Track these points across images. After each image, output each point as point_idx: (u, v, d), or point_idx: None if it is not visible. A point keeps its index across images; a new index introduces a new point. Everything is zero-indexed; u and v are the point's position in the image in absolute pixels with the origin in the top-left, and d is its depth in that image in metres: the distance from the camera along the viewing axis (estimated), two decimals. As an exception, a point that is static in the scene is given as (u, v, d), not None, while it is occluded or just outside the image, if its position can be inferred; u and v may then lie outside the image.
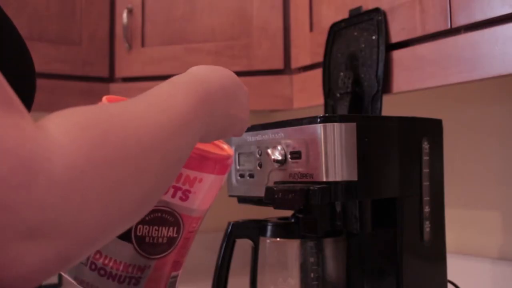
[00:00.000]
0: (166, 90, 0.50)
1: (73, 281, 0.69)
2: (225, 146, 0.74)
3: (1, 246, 0.33)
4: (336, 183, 0.72)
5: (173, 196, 0.69)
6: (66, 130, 0.37)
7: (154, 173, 0.43)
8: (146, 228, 0.69)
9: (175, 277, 0.74)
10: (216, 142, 0.74)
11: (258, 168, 0.83)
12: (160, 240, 0.70)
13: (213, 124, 0.56)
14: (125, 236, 0.69)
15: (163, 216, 0.69)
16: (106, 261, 0.69)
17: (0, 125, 0.33)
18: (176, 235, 0.71)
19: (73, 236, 0.36)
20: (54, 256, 0.35)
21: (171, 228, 0.70)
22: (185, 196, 0.69)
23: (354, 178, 0.73)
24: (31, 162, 0.34)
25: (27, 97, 0.54)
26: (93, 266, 0.69)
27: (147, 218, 0.69)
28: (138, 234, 0.69)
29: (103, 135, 0.39)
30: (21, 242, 0.34)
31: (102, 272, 0.69)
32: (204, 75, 0.57)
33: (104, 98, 0.70)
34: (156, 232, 0.69)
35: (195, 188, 0.69)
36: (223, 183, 0.74)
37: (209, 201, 0.74)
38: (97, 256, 0.70)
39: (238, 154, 0.88)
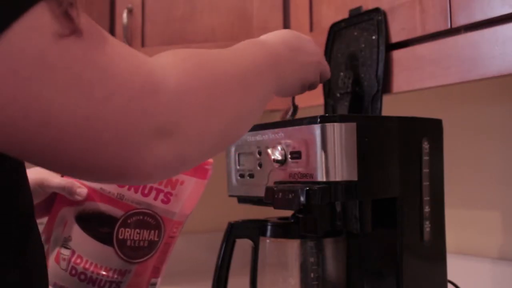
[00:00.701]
0: (242, 47, 0.60)
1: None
2: None
3: (136, 141, 0.42)
4: (336, 183, 0.72)
5: (155, 198, 0.70)
6: (169, 60, 0.47)
7: (237, 99, 0.52)
8: (128, 232, 0.70)
9: (155, 284, 0.75)
10: None
11: (258, 168, 0.83)
12: (142, 243, 0.70)
13: (285, 78, 0.65)
14: (106, 240, 0.69)
15: (144, 219, 0.70)
16: (87, 265, 0.69)
17: (126, 52, 0.43)
18: (157, 239, 0.71)
19: (191, 137, 0.46)
20: (176, 153, 0.45)
21: (152, 231, 0.71)
22: (167, 199, 0.70)
23: (354, 178, 0.73)
24: (153, 77, 0.43)
25: None
26: (73, 271, 0.69)
27: (129, 221, 0.69)
28: (120, 237, 0.69)
29: (199, 64, 0.49)
30: (152, 139, 0.42)
31: (82, 277, 0.69)
32: (266, 39, 0.67)
33: None
34: (137, 235, 0.70)
35: (176, 190, 0.70)
36: (202, 191, 0.75)
37: (190, 206, 0.74)
38: (78, 260, 0.69)
39: (238, 154, 0.88)
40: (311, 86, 0.76)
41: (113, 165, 0.42)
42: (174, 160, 0.45)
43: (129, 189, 0.70)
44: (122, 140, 0.41)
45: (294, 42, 0.69)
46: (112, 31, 1.33)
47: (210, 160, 0.74)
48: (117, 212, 0.70)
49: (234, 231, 0.86)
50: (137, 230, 0.70)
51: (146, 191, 0.70)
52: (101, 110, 0.40)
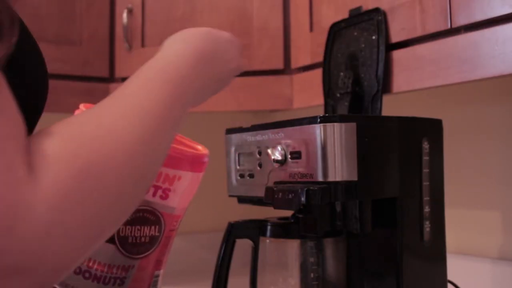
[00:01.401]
0: (140, 92, 0.50)
1: (57, 287, 0.70)
2: (199, 147, 0.77)
3: None
4: (336, 183, 0.72)
5: (154, 195, 0.70)
6: (48, 165, 0.37)
7: (132, 193, 0.44)
8: (128, 229, 0.70)
9: (158, 276, 0.76)
10: (190, 143, 0.77)
11: (258, 168, 0.83)
12: (143, 239, 0.71)
13: (197, 97, 0.57)
14: (108, 238, 0.70)
15: (144, 216, 0.71)
16: (91, 264, 0.70)
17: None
18: (158, 234, 0.72)
19: (50, 269, 0.37)
20: (34, 286, 0.37)
21: (152, 227, 0.71)
22: (165, 195, 0.71)
23: (354, 178, 0.73)
24: (14, 209, 0.34)
25: (40, 98, 0.54)
26: (77, 270, 0.70)
27: (129, 218, 0.70)
28: (121, 234, 0.70)
29: (83, 168, 0.39)
30: (6, 277, 0.35)
31: (87, 275, 0.69)
32: (175, 56, 0.56)
33: (82, 106, 0.72)
34: (138, 232, 0.71)
35: (174, 186, 0.71)
36: (199, 183, 0.76)
37: (188, 199, 0.75)
38: None
39: (238, 154, 0.88)
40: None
41: None
42: None
43: None
44: None
45: (209, 51, 0.60)
46: (112, 31, 1.33)
47: (206, 151, 0.75)
48: None
49: (234, 231, 0.86)
50: (138, 227, 0.71)
51: None
52: None
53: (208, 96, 0.63)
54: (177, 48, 0.58)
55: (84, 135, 0.42)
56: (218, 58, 0.61)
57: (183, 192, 0.73)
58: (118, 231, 0.70)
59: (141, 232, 0.71)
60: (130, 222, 0.70)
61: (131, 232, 0.70)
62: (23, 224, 0.35)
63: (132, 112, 0.46)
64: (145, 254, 0.72)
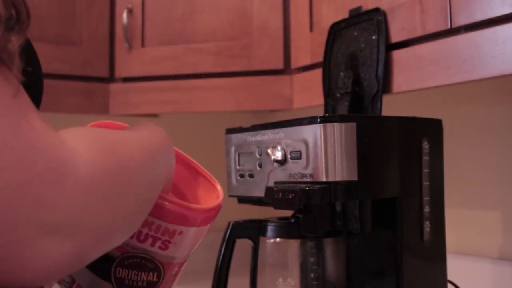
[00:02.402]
0: (145, 131, 0.57)
1: None
2: (218, 186, 0.72)
3: (26, 240, 0.34)
4: (336, 183, 0.72)
5: (152, 245, 0.66)
6: (80, 141, 0.41)
7: (145, 186, 0.50)
8: (125, 272, 0.67)
9: None
10: (211, 180, 0.72)
11: (258, 168, 0.83)
12: (140, 284, 0.67)
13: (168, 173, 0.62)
14: (105, 276, 0.67)
15: (142, 262, 0.67)
16: None
17: (38, 129, 0.37)
18: (156, 280, 0.68)
19: (90, 233, 0.39)
20: (71, 251, 0.38)
21: (151, 273, 0.68)
22: (165, 246, 0.66)
23: (354, 178, 0.73)
24: (61, 163, 0.36)
25: (36, 99, 0.54)
26: None
27: (126, 263, 0.67)
28: (118, 276, 0.67)
29: (109, 149, 0.44)
30: (44, 237, 0.35)
31: None
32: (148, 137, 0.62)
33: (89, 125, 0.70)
34: (135, 276, 0.67)
35: (175, 239, 0.66)
36: (207, 231, 0.71)
37: (192, 247, 0.71)
38: None
39: (238, 154, 0.88)
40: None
41: None
42: (71, 258, 0.38)
43: None
44: (4, 232, 0.34)
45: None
46: (112, 31, 1.33)
47: (218, 201, 0.69)
48: (113, 252, 0.68)
49: (234, 231, 0.86)
50: (135, 272, 0.67)
51: (142, 238, 0.66)
52: None
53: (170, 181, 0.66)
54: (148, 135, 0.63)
55: (101, 134, 0.47)
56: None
57: (185, 244, 0.69)
58: (115, 272, 0.67)
59: (138, 277, 0.67)
60: (126, 266, 0.66)
61: (128, 275, 0.67)
62: (69, 179, 0.36)
63: (136, 137, 0.53)
64: None
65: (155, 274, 0.68)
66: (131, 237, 0.65)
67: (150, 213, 0.60)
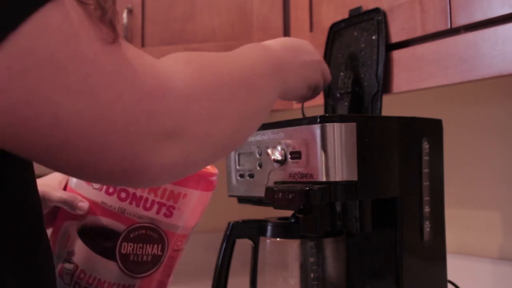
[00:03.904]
0: (243, 51, 0.60)
1: None
2: (208, 166, 0.74)
3: (144, 144, 0.42)
4: (336, 183, 0.72)
5: (158, 212, 0.68)
6: (177, 63, 0.47)
7: (242, 101, 0.53)
8: (130, 246, 0.68)
9: None
10: None
11: (258, 168, 0.83)
12: (145, 258, 0.69)
13: (289, 78, 0.66)
14: (109, 255, 0.68)
15: (147, 233, 0.69)
16: (91, 280, 0.68)
17: (138, 54, 0.43)
18: (160, 253, 0.70)
19: (197, 140, 0.46)
20: (183, 156, 0.45)
21: (155, 246, 0.69)
22: (170, 213, 0.69)
23: (354, 178, 0.73)
24: (164, 80, 0.44)
25: None
26: (77, 286, 0.69)
27: (131, 235, 0.68)
28: (123, 252, 0.68)
29: (205, 67, 0.50)
30: (159, 142, 0.43)
31: None
32: (267, 43, 0.67)
33: None
34: (140, 250, 0.69)
35: (179, 204, 0.69)
36: (208, 201, 0.74)
37: (195, 218, 0.73)
38: (81, 275, 0.69)
39: (238, 154, 0.88)
40: (316, 89, 0.77)
41: (121, 168, 0.42)
42: (181, 162, 0.45)
43: (130, 203, 0.69)
44: (130, 142, 0.41)
45: (294, 44, 0.71)
46: (112, 31, 1.33)
47: (215, 170, 0.74)
48: (119, 226, 0.69)
49: (234, 231, 0.86)
50: (140, 245, 0.69)
51: (148, 205, 0.69)
52: (109, 112, 0.40)
53: (301, 86, 0.71)
54: (267, 42, 0.68)
55: (203, 53, 0.53)
56: (304, 50, 0.72)
57: (189, 211, 0.71)
58: (120, 248, 0.68)
59: (143, 250, 0.69)
60: (132, 239, 0.68)
61: (133, 249, 0.68)
62: (171, 92, 0.43)
63: (241, 61, 0.57)
64: (147, 273, 0.70)
65: (160, 246, 0.70)
66: (137, 206, 0.68)
67: None
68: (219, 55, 0.55)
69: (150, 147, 0.42)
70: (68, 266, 0.70)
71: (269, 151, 0.79)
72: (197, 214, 0.73)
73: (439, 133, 0.86)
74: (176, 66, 0.47)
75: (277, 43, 0.68)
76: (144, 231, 0.69)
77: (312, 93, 0.77)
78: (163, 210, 0.69)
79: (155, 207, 0.68)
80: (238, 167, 0.88)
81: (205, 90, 0.48)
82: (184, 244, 0.74)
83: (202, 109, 0.46)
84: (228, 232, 0.86)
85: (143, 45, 1.30)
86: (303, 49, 0.72)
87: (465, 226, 1.15)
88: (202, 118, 0.46)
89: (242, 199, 0.91)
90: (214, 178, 0.73)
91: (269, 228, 0.86)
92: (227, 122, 0.50)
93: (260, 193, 0.80)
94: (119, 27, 1.30)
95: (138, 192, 0.68)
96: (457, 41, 0.81)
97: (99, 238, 0.70)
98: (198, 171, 0.69)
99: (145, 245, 0.69)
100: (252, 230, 0.88)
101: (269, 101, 0.60)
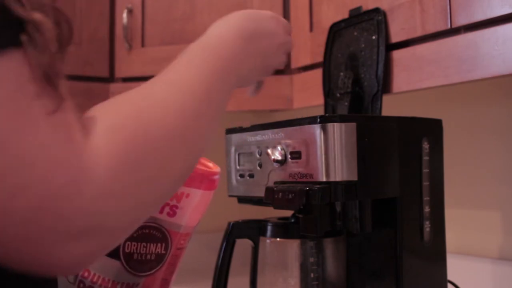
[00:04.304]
0: (184, 69, 0.53)
1: None
2: (211, 164, 0.75)
3: (52, 246, 0.37)
4: (336, 183, 0.72)
5: (161, 212, 0.69)
6: (103, 134, 0.40)
7: (183, 158, 0.47)
8: (134, 245, 0.68)
9: None
10: (202, 160, 0.74)
11: (258, 168, 0.83)
12: (148, 256, 0.69)
13: (244, 73, 0.59)
14: (113, 253, 0.68)
15: (150, 232, 0.69)
16: (95, 279, 0.68)
17: (55, 140, 0.37)
18: (164, 252, 0.70)
19: (114, 232, 0.41)
20: (96, 250, 0.40)
21: (159, 245, 0.70)
22: (173, 212, 0.69)
23: (354, 178, 0.73)
24: (80, 174, 0.37)
25: None
26: (81, 285, 0.69)
27: (135, 235, 0.68)
28: (126, 251, 0.68)
29: (133, 134, 0.42)
30: (70, 243, 0.37)
31: None
32: (218, 36, 0.59)
33: None
34: (144, 249, 0.69)
35: (182, 203, 0.69)
36: (210, 200, 0.74)
37: (197, 217, 0.73)
38: (86, 274, 0.69)
39: (238, 154, 0.88)
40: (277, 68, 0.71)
41: (27, 262, 0.38)
42: (96, 254, 0.41)
43: None
44: (31, 239, 0.36)
45: (250, 28, 0.63)
46: (112, 31, 1.33)
47: (217, 169, 0.73)
48: None
49: (234, 231, 0.86)
50: (143, 244, 0.69)
51: None
52: (10, 203, 0.35)
53: (258, 73, 0.65)
54: (220, 30, 0.61)
55: (132, 103, 0.45)
56: (262, 34, 0.64)
57: (191, 210, 0.71)
58: (124, 247, 0.68)
59: (146, 249, 0.69)
60: (135, 239, 0.69)
61: (136, 248, 0.69)
62: (88, 186, 0.37)
63: (176, 85, 0.50)
64: (151, 272, 0.70)
65: (163, 245, 0.70)
66: None
67: None
68: (158, 94, 0.48)
69: (57, 246, 0.37)
70: None
71: (269, 151, 0.79)
72: (200, 212, 0.74)
73: (439, 133, 0.86)
74: (102, 139, 0.40)
75: (230, 29, 0.61)
76: (147, 231, 0.69)
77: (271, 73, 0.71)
78: (166, 209, 0.69)
79: None
80: (238, 167, 0.88)
81: (134, 171, 0.41)
82: (187, 242, 0.75)
83: (127, 201, 0.41)
84: (228, 232, 0.86)
85: (143, 45, 1.30)
86: (262, 31, 0.64)
87: (465, 226, 1.15)
88: (128, 208, 0.41)
89: (242, 199, 0.91)
90: (217, 177, 0.73)
91: (269, 228, 0.86)
92: (166, 184, 0.45)
93: (260, 193, 0.80)
94: (119, 28, 1.30)
95: None
96: (457, 41, 0.81)
97: None
98: (201, 171, 0.69)
99: (148, 244, 0.69)
100: (252, 230, 0.88)
101: (222, 107, 0.54)
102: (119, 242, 0.44)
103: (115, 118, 0.43)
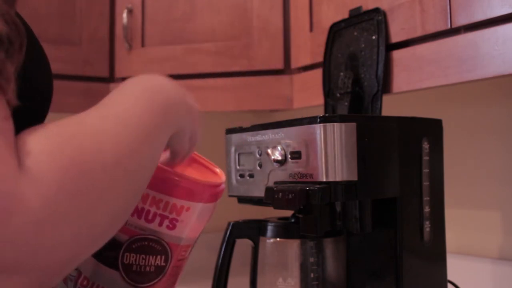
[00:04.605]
0: (124, 104, 0.50)
1: None
2: (218, 170, 0.72)
3: None
4: (336, 183, 0.72)
5: (160, 224, 0.67)
6: (36, 159, 0.37)
7: (122, 191, 0.44)
8: (133, 256, 0.67)
9: None
10: (209, 165, 0.73)
11: (258, 168, 0.83)
12: (148, 268, 0.68)
13: (180, 125, 0.57)
14: (112, 264, 0.68)
15: (150, 245, 0.67)
16: None
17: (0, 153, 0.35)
18: (164, 264, 0.69)
19: (45, 267, 0.37)
20: (30, 286, 0.36)
21: (158, 257, 0.68)
22: (172, 225, 0.67)
23: (354, 178, 0.73)
24: (9, 201, 0.34)
25: (46, 101, 0.54)
26: None
27: (133, 246, 0.67)
28: (125, 262, 0.67)
29: (70, 162, 0.39)
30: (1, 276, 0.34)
31: None
32: (151, 85, 0.56)
33: None
34: (143, 261, 0.67)
35: (182, 216, 0.67)
36: (214, 211, 0.72)
37: (198, 229, 0.71)
38: (85, 282, 0.68)
39: (238, 154, 0.88)
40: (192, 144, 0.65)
41: None
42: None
43: (132, 214, 0.68)
44: None
45: (178, 89, 0.61)
46: (112, 31, 1.33)
47: (222, 178, 0.70)
48: (121, 236, 0.68)
49: (234, 231, 0.86)
50: (143, 256, 0.68)
51: (150, 217, 0.67)
52: None
53: (188, 131, 0.61)
54: (151, 82, 0.58)
55: (67, 131, 0.42)
56: (187, 94, 0.61)
57: (193, 223, 0.69)
58: (122, 258, 0.67)
59: (146, 261, 0.68)
60: (134, 250, 0.67)
61: (135, 260, 0.67)
62: (18, 217, 0.34)
63: (113, 115, 0.47)
64: (150, 283, 0.69)
65: (163, 257, 0.68)
66: (139, 218, 0.66)
67: (157, 189, 0.61)
68: (98, 126, 0.45)
69: None
70: (72, 272, 0.70)
71: (269, 151, 0.79)
72: (202, 224, 0.71)
73: (439, 133, 0.86)
74: (36, 164, 0.37)
75: (167, 89, 0.57)
76: (146, 243, 0.67)
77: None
78: (166, 222, 0.67)
79: (157, 219, 0.67)
80: (238, 167, 0.88)
81: (70, 201, 0.38)
82: (189, 253, 0.73)
83: (62, 232, 0.37)
84: (228, 232, 0.86)
85: (143, 45, 1.30)
86: (186, 94, 0.61)
87: (465, 226, 1.15)
88: (63, 240, 0.37)
89: (242, 199, 0.91)
90: (220, 188, 0.69)
91: (269, 228, 0.86)
92: (105, 217, 0.42)
93: (260, 193, 0.80)
94: (119, 28, 1.30)
95: (140, 204, 0.67)
96: (457, 41, 0.81)
97: (103, 247, 0.69)
98: (202, 183, 0.66)
99: (147, 256, 0.68)
100: (252, 230, 0.88)
101: (152, 164, 0.50)
102: (51, 282, 0.39)
103: (53, 143, 0.40)
